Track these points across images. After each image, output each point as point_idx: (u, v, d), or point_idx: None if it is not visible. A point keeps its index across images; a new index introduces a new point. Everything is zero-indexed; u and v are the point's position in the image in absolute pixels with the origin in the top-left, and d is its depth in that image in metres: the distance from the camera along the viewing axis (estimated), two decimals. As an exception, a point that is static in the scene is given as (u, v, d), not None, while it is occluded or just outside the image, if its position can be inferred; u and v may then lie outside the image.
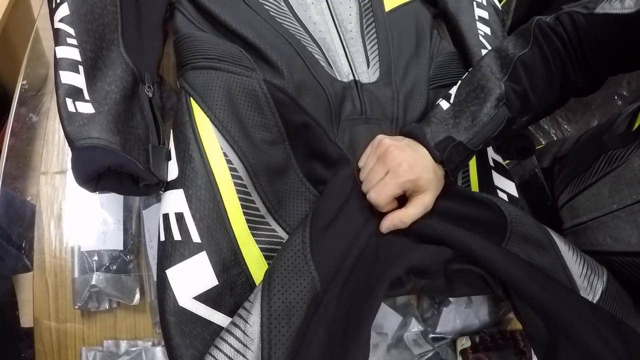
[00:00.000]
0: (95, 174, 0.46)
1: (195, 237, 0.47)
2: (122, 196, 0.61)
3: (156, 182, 0.49)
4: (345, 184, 0.51)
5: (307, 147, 0.52)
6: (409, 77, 0.60)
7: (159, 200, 0.60)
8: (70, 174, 0.63)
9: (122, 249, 0.59)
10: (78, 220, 0.60)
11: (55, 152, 0.65)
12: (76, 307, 0.58)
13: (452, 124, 0.55)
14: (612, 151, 0.60)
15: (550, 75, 0.56)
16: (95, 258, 0.58)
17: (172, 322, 0.45)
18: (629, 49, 0.54)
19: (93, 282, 0.57)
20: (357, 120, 0.55)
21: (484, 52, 0.66)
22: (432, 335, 0.62)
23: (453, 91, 0.58)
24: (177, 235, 0.47)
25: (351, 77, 0.57)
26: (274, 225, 0.50)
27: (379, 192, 0.50)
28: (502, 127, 0.55)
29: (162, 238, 0.48)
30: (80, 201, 0.61)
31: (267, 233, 0.50)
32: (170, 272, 0.46)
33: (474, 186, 0.61)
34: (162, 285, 0.46)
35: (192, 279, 0.46)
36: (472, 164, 0.63)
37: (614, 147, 0.60)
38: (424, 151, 0.53)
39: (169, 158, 0.51)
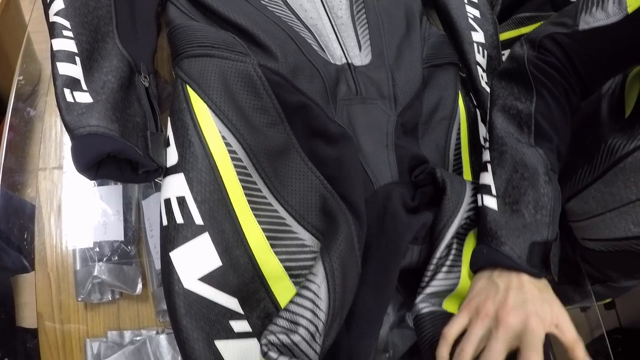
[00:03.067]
0: (95, 160, 0.48)
1: (198, 219, 0.49)
2: (121, 188, 0.63)
3: (155, 167, 0.51)
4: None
5: (307, 126, 0.54)
6: (401, 58, 0.63)
7: (158, 190, 0.63)
8: (68, 168, 0.65)
9: (122, 239, 0.61)
10: (78, 213, 0.62)
11: (52, 148, 0.67)
12: (79, 299, 0.60)
13: (521, 225, 0.50)
14: (611, 141, 0.60)
15: (564, 113, 0.56)
16: (97, 249, 0.60)
17: (178, 304, 0.47)
18: (622, 55, 0.54)
19: (95, 273, 0.58)
20: (353, 100, 0.57)
21: (474, 34, 0.68)
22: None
23: (489, 180, 0.54)
24: (179, 219, 0.49)
25: (344, 60, 0.60)
26: (276, 205, 0.52)
27: None
28: (560, 197, 0.53)
29: (165, 223, 0.50)
30: (80, 194, 0.63)
31: (269, 213, 0.52)
32: (174, 255, 0.48)
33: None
34: (167, 268, 0.48)
35: (196, 261, 0.48)
36: (466, 159, 0.65)
37: (612, 137, 0.60)
38: (524, 279, 0.48)
39: (168, 145, 0.53)
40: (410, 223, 0.51)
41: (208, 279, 0.48)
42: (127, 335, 0.60)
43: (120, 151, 0.48)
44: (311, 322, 0.43)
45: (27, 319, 0.86)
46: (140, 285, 0.61)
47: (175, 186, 0.50)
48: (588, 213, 0.64)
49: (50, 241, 0.63)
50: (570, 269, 0.72)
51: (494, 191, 0.54)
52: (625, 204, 0.59)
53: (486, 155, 0.56)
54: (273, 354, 0.41)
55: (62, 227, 0.63)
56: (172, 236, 0.48)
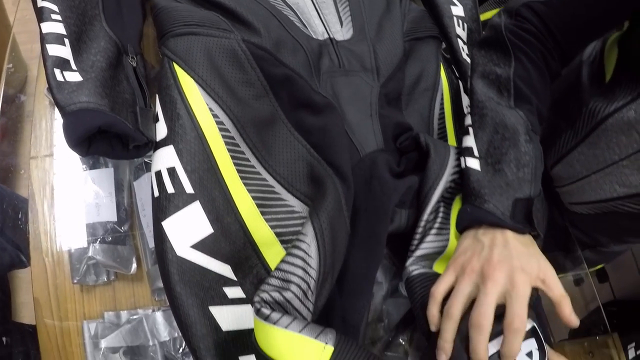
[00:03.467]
0: (86, 135, 0.49)
1: (188, 188, 0.50)
2: (112, 170, 0.64)
3: (145, 141, 0.53)
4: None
5: (292, 97, 0.56)
6: (382, 32, 0.65)
7: (149, 170, 0.64)
8: (59, 155, 0.66)
9: (115, 220, 0.62)
10: (70, 198, 0.63)
11: (43, 136, 0.68)
12: (75, 282, 0.61)
13: (504, 183, 0.52)
14: (592, 104, 0.62)
15: (543, 76, 0.58)
16: (90, 230, 0.61)
17: (172, 272, 0.48)
18: (597, 21, 0.56)
19: (90, 254, 0.59)
20: (337, 73, 0.59)
21: (453, 8, 0.70)
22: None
23: (471, 143, 0.56)
24: (170, 189, 0.50)
25: (326, 36, 0.62)
26: (265, 174, 0.54)
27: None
28: (542, 156, 0.55)
29: (156, 194, 0.51)
30: (71, 179, 0.64)
31: (258, 182, 0.53)
32: (166, 224, 0.49)
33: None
34: (160, 237, 0.49)
35: (188, 229, 0.49)
36: (450, 128, 0.67)
37: (593, 101, 0.62)
38: (509, 235, 0.49)
39: (157, 120, 0.54)
40: (397, 185, 0.53)
41: (200, 246, 0.49)
42: (124, 315, 0.61)
43: (110, 125, 0.49)
44: (303, 279, 0.44)
45: (25, 318, 0.87)
46: (134, 265, 0.62)
47: (165, 158, 0.51)
48: (573, 177, 0.66)
49: (44, 227, 0.64)
50: (559, 235, 0.74)
51: (476, 152, 0.55)
52: (609, 165, 0.61)
53: (468, 120, 0.58)
54: (266, 311, 0.42)
55: (56, 212, 0.64)
56: (164, 206, 0.50)
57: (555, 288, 0.47)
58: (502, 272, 0.46)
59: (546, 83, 0.58)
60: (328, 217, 0.47)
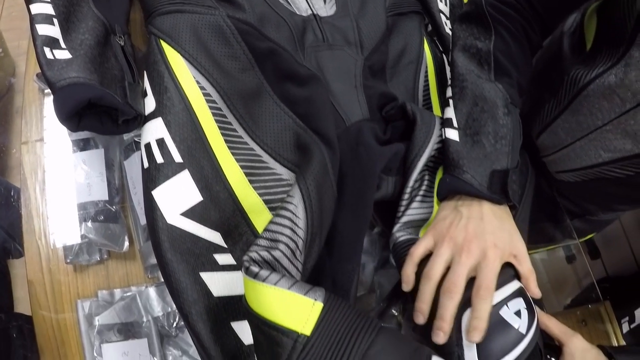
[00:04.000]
0: (76, 108, 0.50)
1: (177, 157, 0.52)
2: (102, 151, 0.66)
3: (134, 114, 0.54)
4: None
5: (277, 70, 0.58)
6: (365, 7, 0.67)
7: (138, 149, 0.66)
8: (49, 140, 0.68)
9: (107, 199, 0.63)
10: (62, 179, 0.65)
11: (33, 122, 0.70)
12: (68, 262, 0.62)
13: (482, 155, 0.54)
14: (573, 72, 0.63)
15: (523, 49, 0.60)
16: (82, 210, 0.62)
17: (163, 240, 0.50)
18: None
19: (82, 232, 0.61)
20: (321, 47, 0.61)
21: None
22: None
23: (451, 114, 0.57)
24: (159, 159, 0.52)
25: (310, 12, 0.64)
26: (252, 144, 0.55)
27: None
28: (521, 129, 0.57)
29: (146, 165, 0.52)
30: (63, 161, 0.66)
31: (246, 152, 0.55)
32: (156, 193, 0.51)
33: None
34: (150, 207, 0.51)
35: (177, 197, 0.51)
36: (435, 100, 0.69)
37: (574, 69, 0.64)
38: (486, 208, 0.52)
39: (145, 95, 0.56)
40: (382, 151, 0.55)
41: (190, 213, 0.51)
42: (117, 293, 0.63)
43: (100, 98, 0.51)
44: (291, 238, 0.46)
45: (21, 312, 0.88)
46: (127, 243, 0.63)
47: (154, 130, 0.53)
48: (558, 145, 0.68)
49: (36, 210, 0.66)
50: (548, 206, 0.75)
51: (455, 123, 0.57)
52: (592, 131, 0.63)
53: (449, 92, 0.59)
54: (254, 268, 0.43)
55: (47, 195, 0.66)
56: (154, 175, 0.51)
57: (525, 263, 0.50)
58: (477, 245, 0.48)
59: (526, 56, 0.60)
60: (314, 180, 0.49)
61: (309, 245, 0.48)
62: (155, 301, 0.61)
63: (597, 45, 0.64)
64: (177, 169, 0.51)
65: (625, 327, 1.06)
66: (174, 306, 0.61)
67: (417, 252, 0.51)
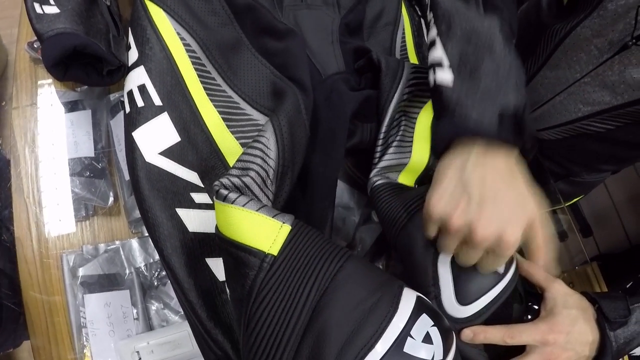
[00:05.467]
0: (63, 55, 0.56)
1: (157, 101, 0.56)
2: (90, 112, 0.70)
3: (118, 64, 0.59)
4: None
5: (255, 25, 0.62)
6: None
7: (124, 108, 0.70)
8: (41, 104, 0.73)
9: (93, 155, 0.68)
10: (50, 139, 0.70)
11: (23, 89, 0.75)
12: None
13: (484, 93, 0.46)
14: (550, 28, 0.67)
15: None
16: (70, 166, 0.67)
17: (141, 177, 0.54)
18: None
19: (69, 187, 0.65)
20: (299, 6, 0.66)
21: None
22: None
23: (438, 55, 0.50)
24: (140, 103, 0.56)
25: (288, -27, 0.69)
26: (230, 92, 0.60)
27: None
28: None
29: (127, 110, 0.57)
30: (52, 123, 0.71)
31: (224, 98, 0.59)
32: (136, 134, 0.55)
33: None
34: (130, 147, 0.55)
35: (156, 137, 0.55)
36: (413, 59, 0.73)
37: (552, 25, 0.68)
38: (499, 166, 0.45)
39: (129, 48, 0.61)
40: (354, 95, 0.59)
41: (168, 153, 0.55)
42: (102, 247, 0.66)
43: (85, 46, 0.56)
44: (261, 167, 0.49)
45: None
46: (112, 198, 0.67)
47: (136, 77, 0.58)
48: (539, 101, 0.72)
49: (25, 170, 0.70)
50: (532, 168, 0.78)
51: (447, 64, 0.49)
52: (571, 84, 0.66)
53: (432, 32, 0.52)
54: (224, 191, 0.46)
55: (37, 156, 0.70)
56: (134, 118, 0.56)
57: (539, 234, 0.46)
58: (491, 231, 0.44)
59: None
60: (286, 116, 0.53)
61: (280, 178, 0.52)
62: (137, 252, 0.65)
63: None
64: (157, 111, 0.56)
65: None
66: (157, 257, 0.65)
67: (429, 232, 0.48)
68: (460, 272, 0.49)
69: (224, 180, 0.47)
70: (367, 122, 0.61)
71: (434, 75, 0.51)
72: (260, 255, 0.42)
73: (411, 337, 0.40)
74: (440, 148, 0.50)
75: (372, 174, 0.60)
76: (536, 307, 0.55)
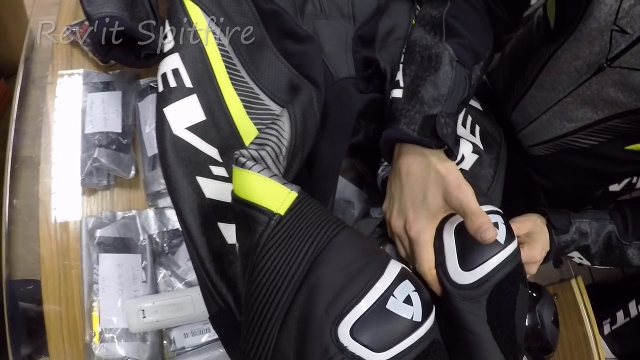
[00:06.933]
0: (109, 36, 0.66)
1: (188, 84, 0.66)
2: (120, 94, 0.80)
3: (155, 49, 0.69)
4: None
5: (279, 29, 0.73)
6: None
7: (152, 92, 0.80)
8: (74, 81, 0.83)
9: (120, 131, 0.77)
10: (80, 114, 0.79)
11: (59, 68, 0.85)
12: (81, 179, 0.75)
13: (418, 104, 0.59)
14: (538, 51, 0.76)
15: (479, 16, 0.69)
16: (98, 137, 0.76)
17: (168, 146, 0.63)
18: None
19: (95, 155, 0.74)
20: (319, 16, 0.77)
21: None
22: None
23: (399, 77, 0.65)
24: (172, 83, 0.66)
25: (309, -14, 0.80)
26: (252, 84, 0.70)
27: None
28: (467, 85, 0.62)
29: (160, 89, 0.67)
30: (84, 100, 0.80)
31: (246, 88, 0.69)
32: (167, 110, 0.65)
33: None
34: (160, 120, 0.65)
35: (184, 114, 0.65)
36: None
37: (540, 47, 0.77)
38: (432, 161, 0.57)
39: (165, 37, 0.71)
40: (361, 96, 0.69)
41: (194, 129, 0.65)
42: (119, 214, 0.75)
43: (129, 29, 0.66)
44: (276, 144, 0.59)
45: (18, 270, 1.00)
46: (133, 171, 0.76)
47: (171, 62, 0.68)
48: (528, 119, 0.82)
49: (56, 133, 0.79)
50: (524, 182, 0.87)
51: (401, 83, 0.64)
52: (555, 103, 0.76)
53: (401, 59, 0.69)
54: (243, 159, 0.55)
55: (68, 123, 0.79)
56: (166, 96, 0.66)
57: (464, 202, 0.54)
58: (399, 223, 0.60)
59: (485, 24, 0.70)
60: (300, 106, 0.63)
61: (291, 157, 0.61)
62: (152, 220, 0.74)
63: (558, 21, 0.76)
64: (187, 92, 0.66)
65: (607, 329, 1.14)
66: (170, 227, 0.74)
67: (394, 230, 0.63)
68: (463, 240, 0.56)
69: (244, 151, 0.57)
70: (371, 121, 0.71)
71: (391, 93, 0.65)
72: (269, 214, 0.51)
73: (394, 296, 0.48)
74: (382, 153, 0.65)
75: (379, 170, 0.69)
76: (535, 294, 0.74)
